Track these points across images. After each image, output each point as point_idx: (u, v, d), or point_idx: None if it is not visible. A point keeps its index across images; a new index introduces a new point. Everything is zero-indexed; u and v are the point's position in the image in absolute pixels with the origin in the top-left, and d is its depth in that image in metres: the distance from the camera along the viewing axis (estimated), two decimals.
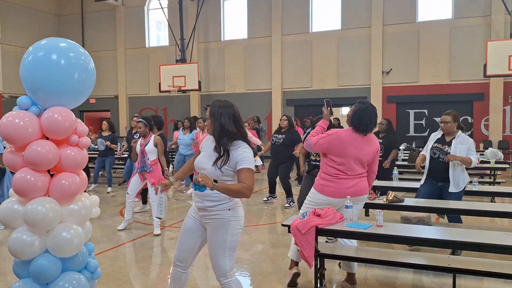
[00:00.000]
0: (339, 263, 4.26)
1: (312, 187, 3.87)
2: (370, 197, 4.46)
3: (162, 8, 15.98)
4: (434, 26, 13.97)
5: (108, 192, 9.11)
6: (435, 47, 13.96)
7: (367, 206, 4.51)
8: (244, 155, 2.64)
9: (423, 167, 4.93)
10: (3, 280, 4.21)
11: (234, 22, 16.52)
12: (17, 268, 2.61)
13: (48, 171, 2.59)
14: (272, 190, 7.81)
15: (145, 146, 5.83)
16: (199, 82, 14.76)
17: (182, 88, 14.65)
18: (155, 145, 5.84)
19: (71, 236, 2.54)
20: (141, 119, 5.93)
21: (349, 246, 3.77)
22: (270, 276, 4.22)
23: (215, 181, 2.51)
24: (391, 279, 4.06)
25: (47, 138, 2.57)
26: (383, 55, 14.48)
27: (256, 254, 4.91)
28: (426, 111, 14.38)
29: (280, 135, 7.42)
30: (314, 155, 5.39)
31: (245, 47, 16.15)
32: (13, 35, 16.47)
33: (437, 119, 14.26)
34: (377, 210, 3.38)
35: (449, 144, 4.70)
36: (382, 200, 4.39)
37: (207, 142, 2.84)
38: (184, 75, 14.55)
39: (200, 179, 2.45)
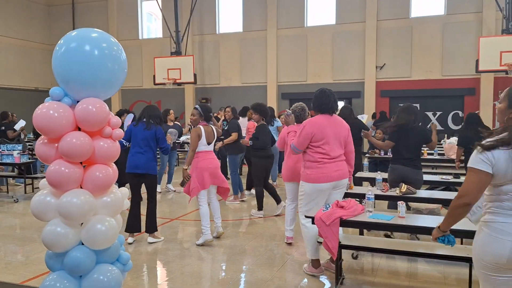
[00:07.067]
0: (352, 253, 4.33)
1: (301, 180, 3.98)
2: (383, 189, 4.53)
3: None
4: (427, 22, 14.12)
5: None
6: (427, 42, 14.12)
7: (381, 198, 4.54)
8: None
9: None
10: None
11: (229, 15, 16.43)
12: (50, 261, 2.59)
13: (81, 163, 2.57)
14: None
15: None
16: (195, 75, 14.67)
17: (177, 81, 14.54)
18: None
19: (106, 228, 2.53)
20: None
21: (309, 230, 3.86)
22: None
23: None
24: (407, 269, 4.13)
25: (79, 130, 2.55)
26: (377, 50, 14.60)
27: None
28: (418, 105, 14.54)
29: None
30: None
31: (240, 40, 16.09)
32: (2, 25, 16.10)
33: (429, 114, 14.51)
34: (399, 202, 3.43)
35: None
36: (395, 192, 4.46)
37: None
38: (179, 67, 14.44)
39: None
